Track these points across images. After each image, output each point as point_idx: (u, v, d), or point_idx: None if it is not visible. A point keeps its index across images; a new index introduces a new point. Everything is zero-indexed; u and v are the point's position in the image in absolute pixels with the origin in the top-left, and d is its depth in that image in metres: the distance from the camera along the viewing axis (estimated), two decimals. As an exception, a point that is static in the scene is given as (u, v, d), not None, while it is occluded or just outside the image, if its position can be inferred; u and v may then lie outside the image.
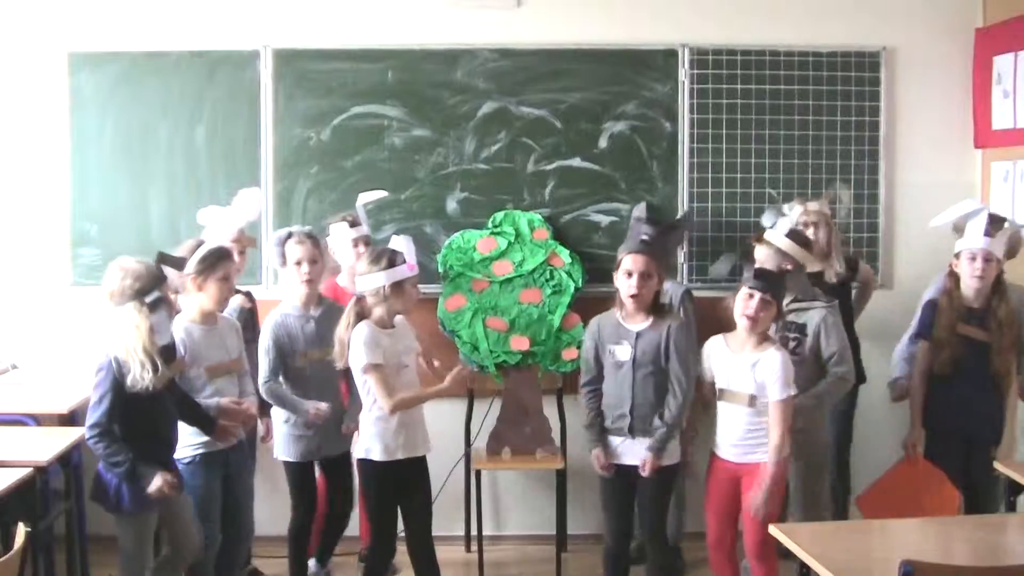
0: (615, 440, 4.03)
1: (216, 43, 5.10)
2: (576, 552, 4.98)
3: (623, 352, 3.99)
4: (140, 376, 3.48)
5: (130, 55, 5.09)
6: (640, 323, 4.00)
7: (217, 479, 3.99)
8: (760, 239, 4.15)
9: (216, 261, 3.93)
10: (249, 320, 4.46)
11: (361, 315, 3.95)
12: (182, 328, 3.91)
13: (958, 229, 4.22)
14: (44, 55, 5.10)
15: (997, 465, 3.94)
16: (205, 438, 3.90)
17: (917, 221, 4.89)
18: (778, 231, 4.13)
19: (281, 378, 4.28)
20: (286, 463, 4.35)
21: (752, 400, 3.81)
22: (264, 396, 4.24)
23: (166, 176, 5.12)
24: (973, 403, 4.13)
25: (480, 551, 4.84)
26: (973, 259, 4.11)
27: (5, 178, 5.18)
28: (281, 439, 4.33)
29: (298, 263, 4.29)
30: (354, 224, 4.58)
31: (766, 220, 4.26)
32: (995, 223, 4.16)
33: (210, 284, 3.92)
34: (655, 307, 4.02)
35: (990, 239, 4.08)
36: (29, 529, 3.02)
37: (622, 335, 4.01)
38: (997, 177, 5.04)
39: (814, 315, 4.05)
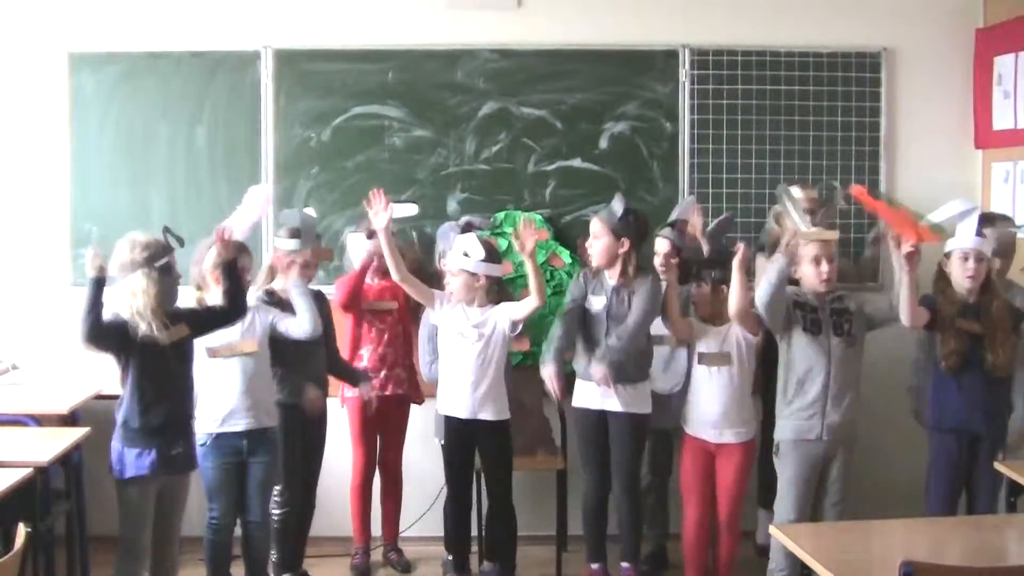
0: (589, 384, 4.27)
1: (216, 43, 5.10)
2: (576, 552, 4.97)
3: (598, 302, 4.29)
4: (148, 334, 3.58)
5: (130, 55, 5.09)
6: (618, 279, 4.27)
7: (229, 463, 4.05)
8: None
9: None
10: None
11: None
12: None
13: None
14: (44, 55, 5.11)
15: (998, 465, 3.93)
16: (217, 423, 4.02)
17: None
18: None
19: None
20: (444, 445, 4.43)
21: (731, 358, 4.20)
22: (427, 380, 4.54)
23: (166, 176, 5.12)
24: (977, 400, 4.10)
25: (480, 551, 4.82)
26: (965, 259, 4.08)
27: (5, 178, 5.18)
28: (433, 418, 4.46)
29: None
30: None
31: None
32: (988, 219, 4.17)
33: None
34: (637, 267, 4.28)
35: (981, 239, 4.06)
36: (29, 529, 3.02)
37: (601, 288, 4.33)
38: (997, 177, 5.04)
39: (851, 296, 4.20)
